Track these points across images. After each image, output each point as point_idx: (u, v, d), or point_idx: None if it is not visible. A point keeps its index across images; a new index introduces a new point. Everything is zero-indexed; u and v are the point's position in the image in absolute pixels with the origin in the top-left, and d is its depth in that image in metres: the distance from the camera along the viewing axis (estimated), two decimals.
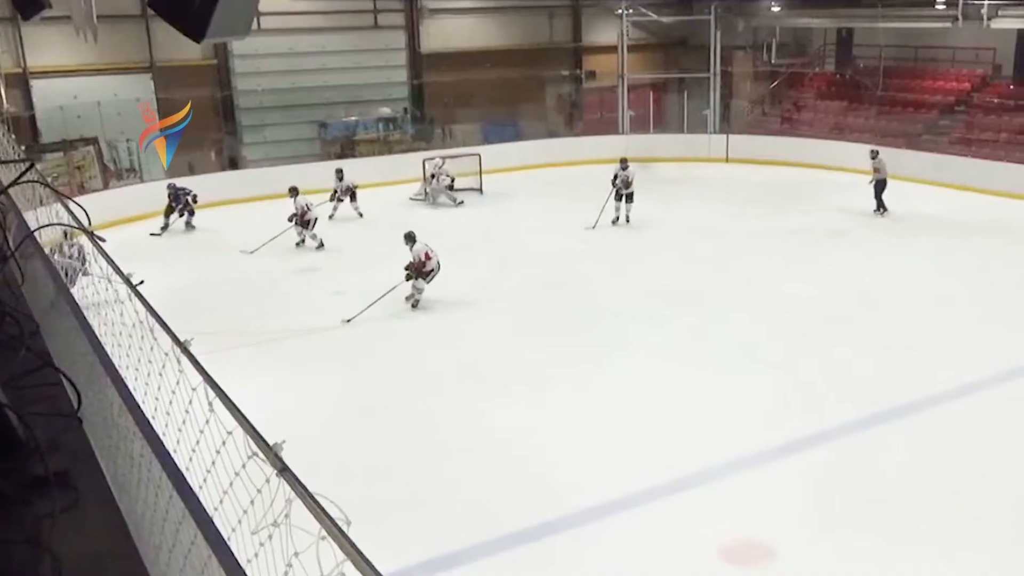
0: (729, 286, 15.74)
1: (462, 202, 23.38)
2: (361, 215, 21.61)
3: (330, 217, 21.07)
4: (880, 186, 20.72)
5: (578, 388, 11.67)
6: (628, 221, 20.33)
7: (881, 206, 20.69)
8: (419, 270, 14.78)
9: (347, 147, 27.10)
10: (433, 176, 23.51)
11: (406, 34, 28.96)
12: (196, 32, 2.71)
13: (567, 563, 8.06)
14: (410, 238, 15.05)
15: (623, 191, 20.29)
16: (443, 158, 24.18)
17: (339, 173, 21.70)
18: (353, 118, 27.55)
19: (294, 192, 19.08)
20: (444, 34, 29.36)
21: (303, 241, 19.17)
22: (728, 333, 13.53)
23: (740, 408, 10.92)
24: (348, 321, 14.32)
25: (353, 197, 21.71)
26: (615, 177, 20.29)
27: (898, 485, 9.16)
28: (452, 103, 28.73)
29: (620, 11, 29.33)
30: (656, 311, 14.52)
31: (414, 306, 14.90)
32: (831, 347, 12.85)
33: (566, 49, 31.94)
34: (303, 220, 18.94)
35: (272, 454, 2.21)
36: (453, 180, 23.77)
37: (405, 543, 8.21)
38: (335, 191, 21.54)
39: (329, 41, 27.50)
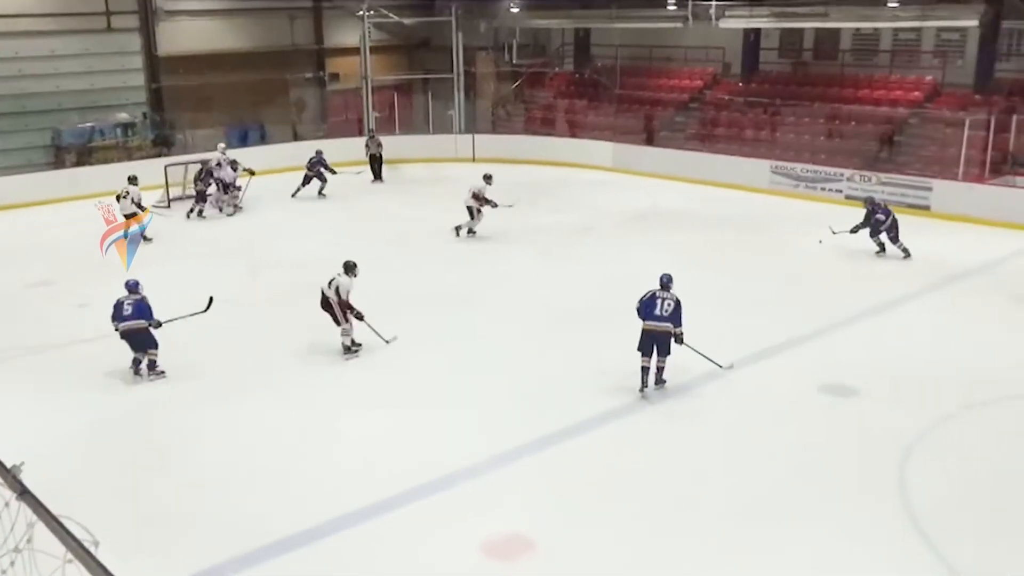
0: (481, 284, 16.22)
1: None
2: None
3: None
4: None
5: (317, 391, 11.87)
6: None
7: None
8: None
9: (84, 154, 26.16)
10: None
11: (141, 37, 28.18)
12: None
13: (328, 567, 8.12)
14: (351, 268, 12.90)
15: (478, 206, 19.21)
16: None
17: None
18: (89, 124, 26.61)
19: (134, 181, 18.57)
20: (182, 37, 28.81)
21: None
22: (481, 331, 13.83)
23: (494, 405, 11.24)
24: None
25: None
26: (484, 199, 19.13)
27: (648, 475, 9.62)
28: (193, 107, 28.23)
29: (361, 12, 29.56)
30: (409, 312, 14.45)
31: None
32: (580, 340, 13.32)
33: (309, 51, 32.11)
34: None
35: (10, 477, 2.15)
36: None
37: (156, 561, 8.07)
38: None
39: (60, 45, 26.40)
